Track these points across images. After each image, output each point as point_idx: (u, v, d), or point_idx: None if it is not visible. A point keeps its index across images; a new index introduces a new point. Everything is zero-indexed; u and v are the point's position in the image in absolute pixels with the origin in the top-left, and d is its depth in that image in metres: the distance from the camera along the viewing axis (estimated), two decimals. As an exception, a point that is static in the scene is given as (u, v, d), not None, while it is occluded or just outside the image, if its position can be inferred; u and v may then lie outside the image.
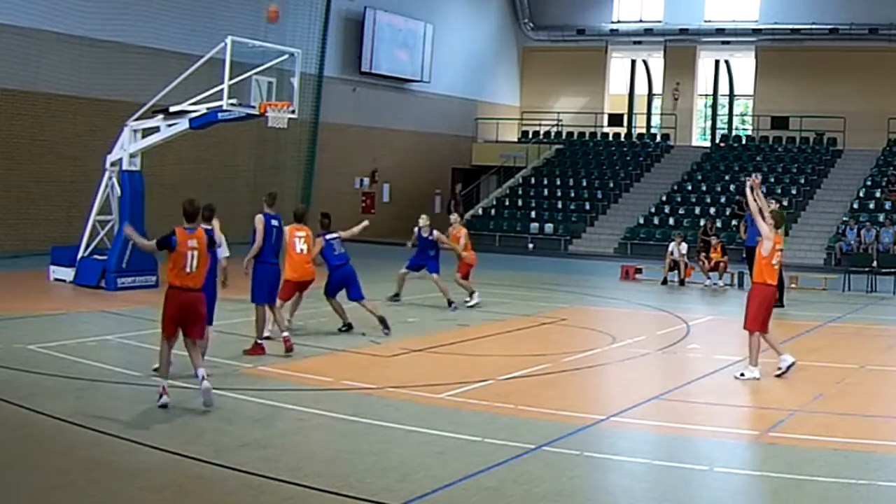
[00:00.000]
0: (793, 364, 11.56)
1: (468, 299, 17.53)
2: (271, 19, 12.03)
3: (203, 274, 9.60)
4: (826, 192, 31.90)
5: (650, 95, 40.74)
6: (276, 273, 12.47)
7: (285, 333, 12.22)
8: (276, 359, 11.89)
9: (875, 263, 23.14)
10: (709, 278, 22.66)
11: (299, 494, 7.06)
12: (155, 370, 10.21)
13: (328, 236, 14.07)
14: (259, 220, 12.42)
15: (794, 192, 31.85)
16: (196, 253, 9.44)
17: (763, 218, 12.09)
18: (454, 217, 18.98)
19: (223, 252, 11.55)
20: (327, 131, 32.02)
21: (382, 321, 13.75)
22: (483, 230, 33.59)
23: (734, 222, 28.87)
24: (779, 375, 11.53)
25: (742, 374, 11.50)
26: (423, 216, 17.81)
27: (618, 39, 40.02)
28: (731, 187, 32.79)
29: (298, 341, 13.11)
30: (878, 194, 30.72)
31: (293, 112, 18.12)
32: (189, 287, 9.46)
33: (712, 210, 31.65)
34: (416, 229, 17.45)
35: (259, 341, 12.13)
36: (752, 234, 21.15)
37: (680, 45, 38.48)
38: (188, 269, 9.41)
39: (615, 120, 39.74)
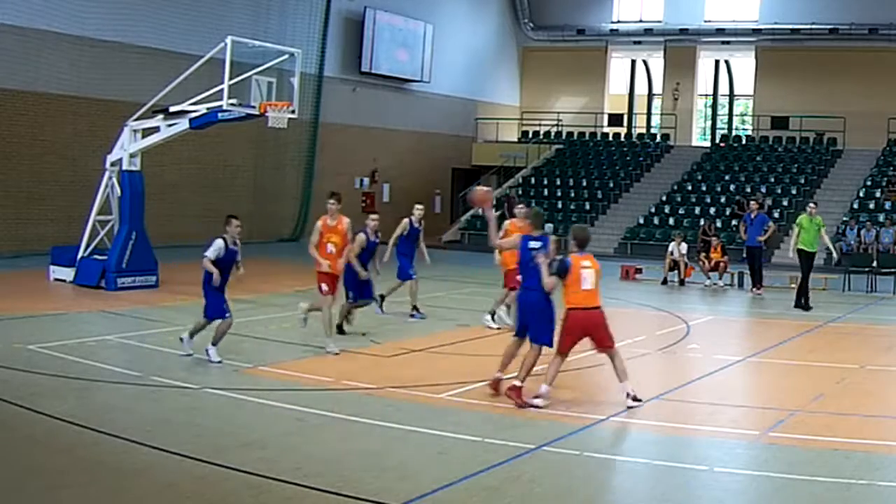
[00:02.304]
0: None
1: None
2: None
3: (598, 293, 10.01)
4: (826, 192, 31.87)
5: (650, 95, 40.73)
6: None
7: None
8: (276, 358, 11.88)
9: (875, 263, 23.12)
10: (709, 278, 22.66)
11: (299, 494, 7.06)
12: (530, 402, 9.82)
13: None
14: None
15: (794, 192, 31.83)
16: (592, 272, 9.96)
17: None
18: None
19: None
20: (327, 131, 32.03)
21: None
22: (483, 230, 33.53)
23: (734, 222, 28.86)
24: None
25: None
26: (418, 206, 16.15)
27: (618, 39, 40.01)
28: (731, 187, 32.79)
29: (300, 340, 13.12)
30: (878, 194, 30.71)
31: (293, 112, 18.11)
32: (588, 306, 9.94)
33: (712, 210, 31.64)
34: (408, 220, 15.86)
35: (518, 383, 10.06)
36: (753, 234, 21.22)
37: (680, 45, 38.47)
38: (585, 287, 9.90)
39: (615, 120, 39.72)
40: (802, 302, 18.42)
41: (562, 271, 9.86)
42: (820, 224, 18.95)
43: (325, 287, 12.46)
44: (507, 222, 15.25)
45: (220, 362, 11.38)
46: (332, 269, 12.57)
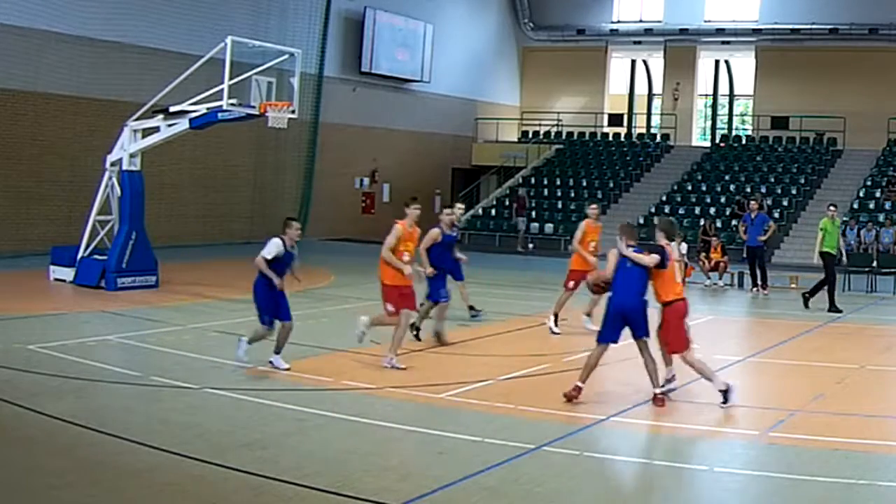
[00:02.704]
0: None
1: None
2: None
3: None
4: (826, 192, 31.84)
5: (650, 95, 40.72)
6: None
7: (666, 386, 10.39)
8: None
9: (875, 263, 23.12)
10: (709, 278, 22.66)
11: (299, 494, 7.06)
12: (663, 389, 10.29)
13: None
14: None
15: (794, 192, 31.83)
16: (679, 265, 10.57)
17: None
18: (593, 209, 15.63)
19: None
20: (327, 131, 32.02)
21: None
22: (483, 230, 33.61)
23: (734, 222, 28.85)
24: None
25: None
26: (459, 206, 15.61)
27: (618, 39, 39.99)
28: (731, 187, 32.79)
29: (299, 341, 13.11)
30: (878, 194, 30.69)
31: (293, 112, 18.10)
32: (683, 297, 10.38)
33: (712, 210, 31.63)
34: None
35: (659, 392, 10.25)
36: (753, 234, 21.22)
37: (680, 45, 38.46)
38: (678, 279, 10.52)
39: (615, 120, 39.71)
40: (806, 299, 18.33)
41: (665, 259, 10.23)
42: (838, 226, 19.05)
43: (391, 308, 11.65)
44: (583, 223, 15.26)
45: (287, 368, 11.08)
46: (404, 279, 11.76)
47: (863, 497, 7.34)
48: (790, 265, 25.95)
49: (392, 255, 11.67)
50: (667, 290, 10.23)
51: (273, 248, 11.00)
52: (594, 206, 15.68)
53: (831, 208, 19.14)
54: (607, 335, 10.24)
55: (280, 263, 11.12)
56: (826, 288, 18.41)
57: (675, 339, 10.23)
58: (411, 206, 12.23)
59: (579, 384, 10.09)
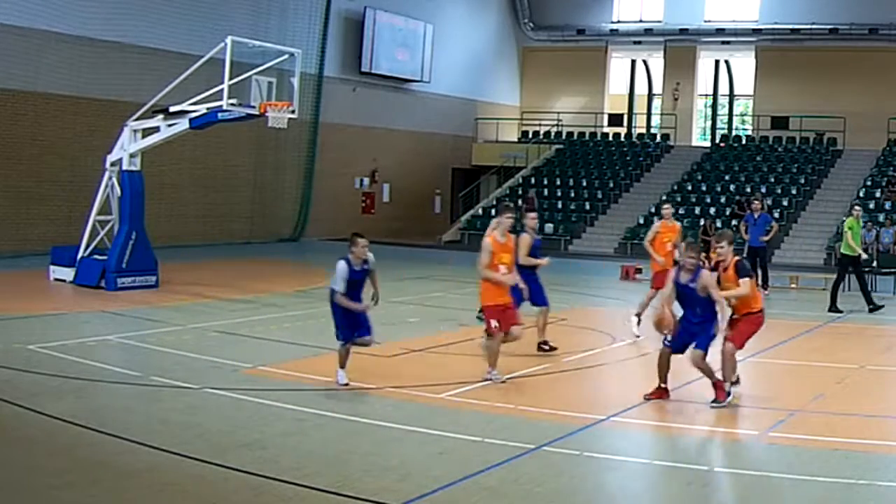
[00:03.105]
0: None
1: None
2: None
3: None
4: (826, 192, 31.88)
5: (650, 95, 40.72)
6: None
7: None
8: (276, 358, 11.88)
9: (875, 263, 23.09)
10: (709, 278, 22.61)
11: (299, 494, 7.06)
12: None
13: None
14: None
15: (794, 192, 31.84)
16: None
17: None
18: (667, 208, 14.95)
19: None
20: (327, 131, 32.02)
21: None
22: (483, 230, 33.52)
23: (734, 222, 28.83)
24: None
25: None
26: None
27: (618, 39, 39.99)
28: (731, 187, 32.79)
29: (299, 341, 13.11)
30: (878, 194, 30.68)
31: (293, 112, 18.11)
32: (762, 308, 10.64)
33: (712, 210, 31.63)
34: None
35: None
36: (756, 234, 21.21)
37: (680, 45, 38.46)
38: None
39: (615, 120, 39.71)
40: (871, 303, 18.35)
41: (750, 272, 10.50)
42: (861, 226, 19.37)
43: (495, 324, 10.79)
44: (657, 223, 14.77)
45: (346, 384, 10.40)
46: (503, 296, 10.84)
47: (863, 497, 7.34)
48: (790, 265, 25.98)
49: (488, 272, 10.82)
50: (753, 300, 10.53)
51: (340, 278, 10.09)
52: (668, 205, 15.08)
53: (857, 208, 19.23)
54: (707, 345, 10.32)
55: (350, 284, 10.17)
56: (832, 286, 18.54)
57: (739, 337, 10.44)
58: (504, 214, 11.07)
59: (722, 382, 10.20)
